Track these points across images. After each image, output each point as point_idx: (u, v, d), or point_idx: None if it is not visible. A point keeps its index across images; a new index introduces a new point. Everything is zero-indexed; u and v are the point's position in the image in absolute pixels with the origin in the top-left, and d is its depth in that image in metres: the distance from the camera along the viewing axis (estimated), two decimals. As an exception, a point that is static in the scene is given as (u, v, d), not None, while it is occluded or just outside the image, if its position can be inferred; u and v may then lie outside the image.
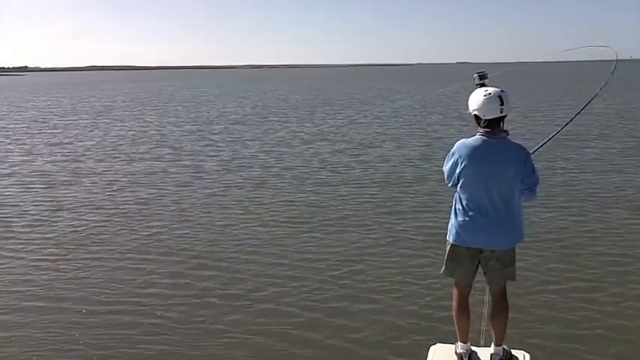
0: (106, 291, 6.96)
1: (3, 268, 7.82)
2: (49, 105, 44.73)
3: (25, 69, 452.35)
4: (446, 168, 4.01)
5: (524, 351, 4.16)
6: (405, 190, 12.08)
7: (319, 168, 14.82)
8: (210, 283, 7.16)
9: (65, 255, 8.30)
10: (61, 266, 7.84)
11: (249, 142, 20.15)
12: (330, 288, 6.87)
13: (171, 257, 8.12)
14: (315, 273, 7.37)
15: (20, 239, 9.10)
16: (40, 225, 9.87)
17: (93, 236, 9.17)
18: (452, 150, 3.96)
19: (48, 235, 9.25)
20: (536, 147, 4.60)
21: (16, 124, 28.90)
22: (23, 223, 10.00)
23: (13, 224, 9.97)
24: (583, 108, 5.31)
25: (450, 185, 4.04)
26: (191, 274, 7.45)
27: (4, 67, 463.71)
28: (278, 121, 28.11)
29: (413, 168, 14.63)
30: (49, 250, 8.56)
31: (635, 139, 18.87)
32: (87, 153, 18.30)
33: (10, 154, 18.42)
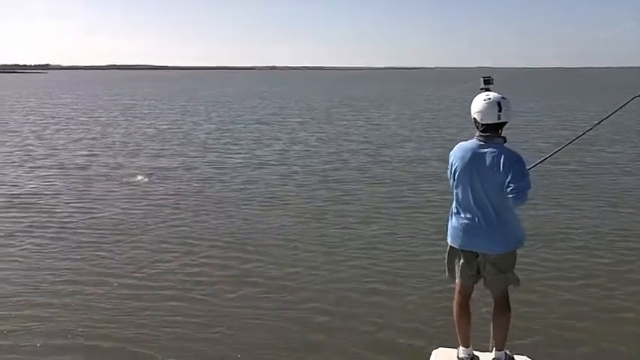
0: (134, 273, 7.51)
1: (48, 251, 8.42)
2: (73, 102, 45.77)
3: (46, 67, 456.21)
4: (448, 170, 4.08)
5: (527, 356, 4.09)
6: (423, 187, 12.50)
7: (339, 167, 15.34)
8: (227, 269, 7.64)
9: (100, 240, 8.90)
10: (97, 250, 8.44)
11: (270, 142, 20.69)
12: (333, 288, 7.00)
13: (196, 244, 8.66)
14: (324, 271, 7.53)
15: (60, 225, 9.74)
16: (76, 213, 10.50)
17: (123, 224, 9.76)
18: (451, 152, 4.03)
19: (85, 222, 9.88)
20: (536, 162, 4.47)
21: (43, 119, 29.76)
22: (61, 211, 10.65)
23: (53, 211, 10.63)
24: (597, 124, 4.88)
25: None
26: (212, 261, 7.95)
27: (25, 65, 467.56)
28: (299, 121, 28.66)
29: (430, 168, 15.05)
30: (87, 235, 9.17)
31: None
32: (112, 147, 19.04)
33: (41, 147, 19.16)
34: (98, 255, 8.22)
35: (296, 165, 15.57)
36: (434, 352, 4.20)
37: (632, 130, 22.56)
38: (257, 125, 26.61)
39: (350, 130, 24.33)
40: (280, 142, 20.58)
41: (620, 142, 19.44)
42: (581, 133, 4.96)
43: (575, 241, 8.66)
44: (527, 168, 3.84)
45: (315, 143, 20.07)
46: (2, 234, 9.24)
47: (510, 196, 3.71)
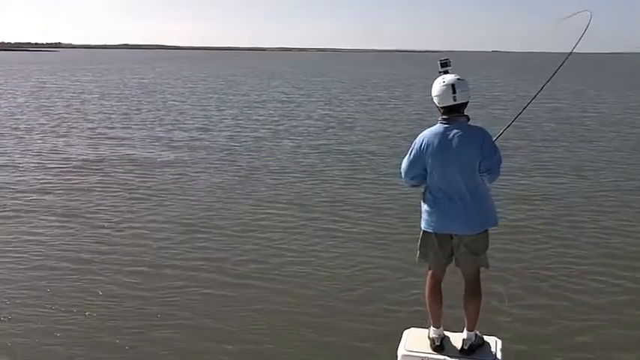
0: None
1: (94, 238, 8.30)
2: (96, 80, 47.05)
3: (58, 45, 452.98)
4: (406, 160, 4.01)
5: (496, 337, 4.18)
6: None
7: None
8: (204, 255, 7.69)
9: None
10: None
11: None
12: (307, 261, 7.28)
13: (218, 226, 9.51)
14: (301, 263, 7.42)
15: (101, 190, 11.22)
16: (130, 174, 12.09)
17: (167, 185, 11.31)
18: (415, 141, 3.97)
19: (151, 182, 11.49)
20: (499, 133, 4.36)
21: (74, 95, 31.14)
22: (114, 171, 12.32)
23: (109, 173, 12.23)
24: (535, 95, 4.69)
25: (405, 179, 4.06)
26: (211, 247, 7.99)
27: (37, 43, 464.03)
28: (319, 102, 29.89)
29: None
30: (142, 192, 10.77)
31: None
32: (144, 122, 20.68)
33: (79, 119, 20.76)
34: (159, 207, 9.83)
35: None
36: (405, 332, 4.26)
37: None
38: (283, 103, 27.88)
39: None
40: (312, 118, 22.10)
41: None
42: (529, 101, 4.79)
43: (541, 227, 8.72)
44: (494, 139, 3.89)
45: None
46: (63, 192, 10.70)
47: (486, 173, 3.84)
